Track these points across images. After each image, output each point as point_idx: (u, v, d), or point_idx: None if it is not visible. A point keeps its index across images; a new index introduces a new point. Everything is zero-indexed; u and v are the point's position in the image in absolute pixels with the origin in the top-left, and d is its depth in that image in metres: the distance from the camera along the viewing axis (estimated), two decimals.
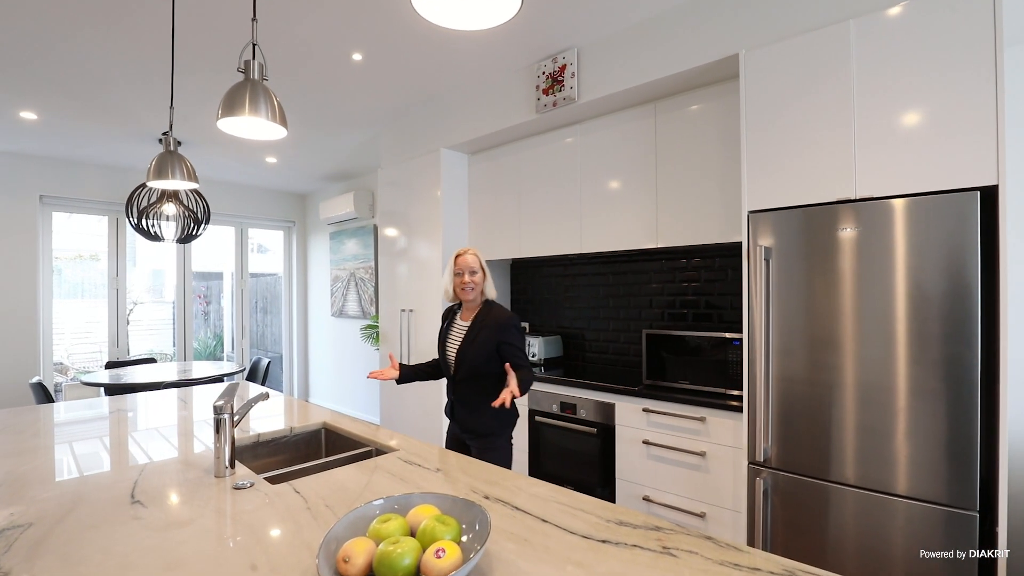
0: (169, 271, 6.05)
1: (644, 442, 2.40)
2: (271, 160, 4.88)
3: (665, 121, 2.56)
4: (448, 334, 2.10)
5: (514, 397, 1.65)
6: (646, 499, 2.39)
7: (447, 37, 2.62)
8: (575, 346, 3.42)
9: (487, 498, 1.19)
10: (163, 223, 4.30)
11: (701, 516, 2.22)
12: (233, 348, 6.34)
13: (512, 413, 1.98)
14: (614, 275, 3.21)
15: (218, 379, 3.84)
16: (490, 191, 3.41)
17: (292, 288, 6.59)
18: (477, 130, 3.19)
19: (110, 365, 4.70)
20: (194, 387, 2.69)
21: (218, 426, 1.35)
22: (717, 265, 2.74)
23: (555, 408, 2.79)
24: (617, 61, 2.52)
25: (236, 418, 1.43)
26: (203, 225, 4.47)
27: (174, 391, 2.57)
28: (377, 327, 4.40)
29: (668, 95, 2.55)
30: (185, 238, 4.45)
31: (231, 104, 1.21)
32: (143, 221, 4.22)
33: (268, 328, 7.01)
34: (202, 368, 4.42)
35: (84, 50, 2.67)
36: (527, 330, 3.68)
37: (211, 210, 5.74)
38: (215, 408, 1.35)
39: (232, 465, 1.38)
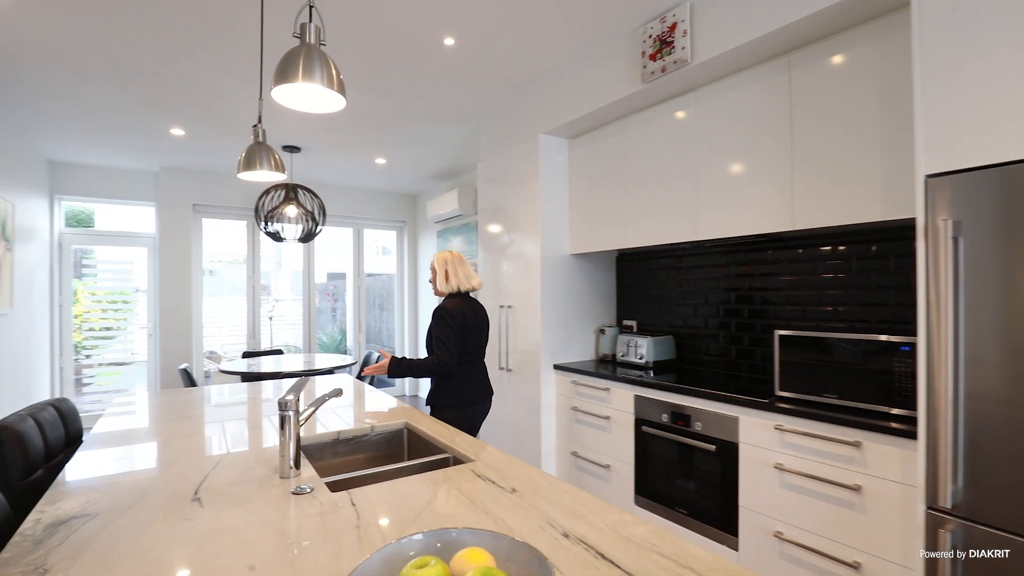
0: (317, 274, 6.57)
1: (777, 467, 1.97)
2: (380, 161, 5.04)
3: (803, 77, 2.09)
4: None
5: (369, 374, 2.33)
6: (778, 535, 1.97)
7: (542, 10, 2.40)
8: (690, 348, 3.02)
9: (566, 536, 0.95)
10: (285, 224, 4.62)
11: (855, 567, 1.75)
12: (353, 342, 6.73)
13: (445, 393, 2.27)
14: (738, 266, 2.76)
15: (329, 371, 4.01)
16: (592, 177, 3.13)
17: (404, 286, 6.83)
18: (576, 109, 2.93)
19: (246, 355, 5.18)
20: (310, 377, 2.76)
21: (283, 423, 1.26)
22: (874, 252, 2.21)
23: (665, 418, 2.45)
24: (739, 7, 2.11)
25: (303, 416, 1.34)
26: (320, 225, 4.73)
27: (287, 381, 2.66)
28: None
29: (806, 44, 2.08)
30: (304, 238, 4.75)
31: (284, 70, 1.11)
32: (269, 223, 4.56)
33: (384, 324, 7.36)
34: (322, 360, 4.68)
35: (210, 69, 2.88)
36: (633, 329, 3.34)
37: (331, 213, 6.14)
38: (280, 404, 1.26)
39: (297, 465, 1.29)
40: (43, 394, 4.87)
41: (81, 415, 1.81)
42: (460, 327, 2.25)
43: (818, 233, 2.27)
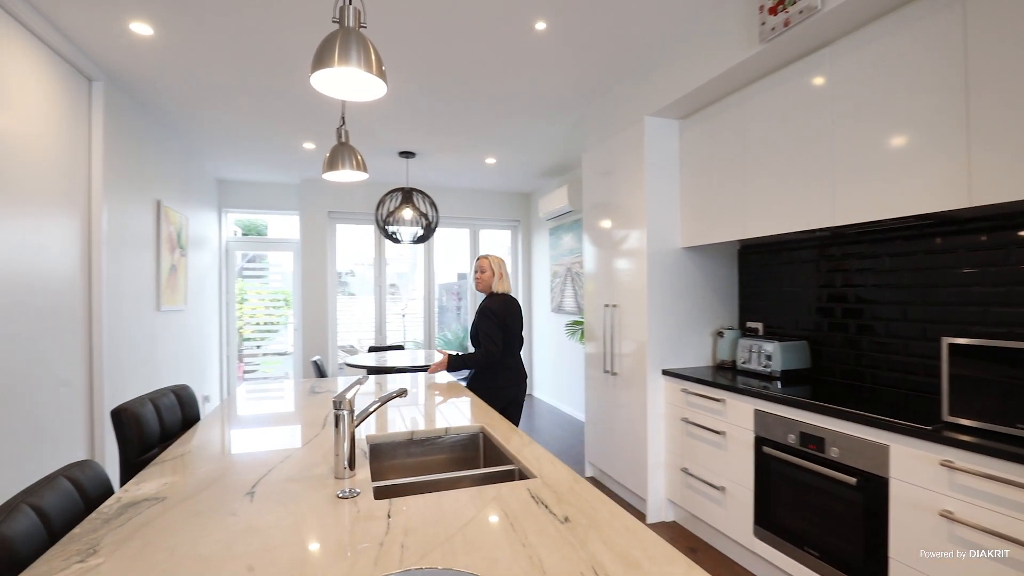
0: (443, 273, 6.91)
1: (944, 514, 1.53)
2: (490, 161, 5.07)
3: (985, 12, 1.60)
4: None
5: (433, 372, 2.73)
6: None
7: None
8: (829, 356, 2.53)
9: None
10: (401, 227, 4.86)
11: None
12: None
13: (484, 378, 2.69)
14: (893, 257, 2.24)
15: (424, 368, 4.09)
16: (706, 160, 2.78)
17: (518, 285, 6.85)
18: (685, 84, 2.61)
19: (372, 350, 5.56)
20: (418, 373, 2.84)
21: (337, 423, 1.23)
22: None
23: (792, 439, 2.05)
24: None
25: (360, 416, 1.30)
26: (433, 227, 4.90)
27: (396, 375, 2.76)
28: (582, 323, 4.13)
29: None
30: (419, 239, 4.96)
31: (320, 55, 1.06)
32: (387, 226, 4.83)
33: None
34: (436, 356, 4.84)
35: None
36: (759, 332, 2.91)
37: (448, 215, 6.35)
38: (334, 403, 1.24)
39: (352, 466, 1.25)
40: (213, 378, 5.70)
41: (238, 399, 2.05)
42: (502, 323, 2.68)
43: (1010, 211, 1.73)
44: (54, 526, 1.04)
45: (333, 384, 2.60)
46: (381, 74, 1.13)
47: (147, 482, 1.23)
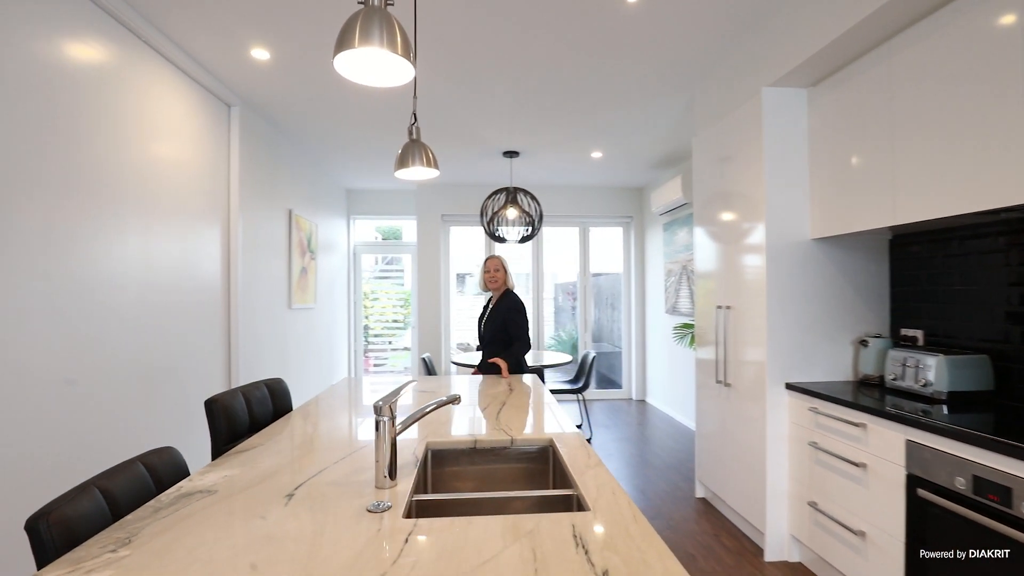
0: (562, 273, 6.87)
1: None
2: (596, 155, 4.85)
3: None
4: (483, 314, 3.25)
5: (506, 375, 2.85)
6: None
7: None
8: (1020, 376, 1.94)
9: None
10: (507, 227, 4.84)
11: None
12: (580, 341, 6.73)
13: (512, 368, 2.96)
14: None
15: (535, 370, 3.98)
16: (841, 132, 2.31)
17: (630, 284, 6.50)
18: (812, 42, 2.19)
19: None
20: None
21: (377, 429, 1.17)
22: None
23: (962, 484, 1.58)
24: None
25: (402, 423, 1.22)
26: (538, 226, 4.80)
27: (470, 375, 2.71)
28: (692, 326, 3.73)
29: None
30: (524, 238, 4.90)
31: (342, 37, 0.99)
32: (491, 226, 4.85)
33: (615, 324, 7.15)
34: (546, 357, 4.75)
35: (445, 97, 3.16)
36: (918, 341, 2.35)
37: (555, 213, 6.23)
38: (374, 408, 1.17)
39: (392, 475, 1.17)
40: (342, 370, 6.21)
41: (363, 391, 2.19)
42: (527, 320, 3.08)
43: None
44: (120, 509, 1.10)
45: (436, 383, 2.62)
46: (406, 54, 1.03)
47: (211, 473, 1.28)
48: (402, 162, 1.78)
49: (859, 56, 2.19)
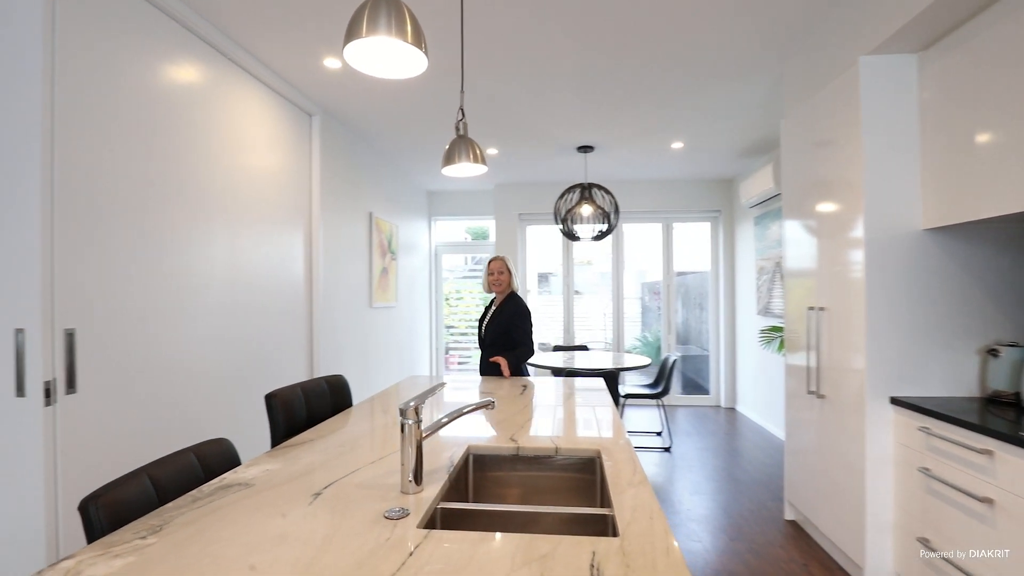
0: (651, 272, 6.63)
1: None
2: (677, 145, 4.56)
3: None
4: (486, 315, 3.14)
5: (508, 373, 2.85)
6: None
7: None
8: None
9: None
10: (580, 225, 4.70)
11: None
12: (663, 343, 6.40)
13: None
14: None
15: (598, 373, 3.81)
16: (966, 103, 1.93)
17: (718, 283, 6.08)
18: None
19: (556, 348, 5.55)
20: (582, 377, 2.69)
21: (403, 431, 1.14)
22: None
23: None
24: None
25: (430, 428, 1.18)
26: (614, 222, 4.62)
27: (565, 379, 2.64)
28: (781, 329, 3.37)
29: None
30: (599, 236, 4.73)
31: (350, 27, 0.95)
32: (566, 223, 4.74)
33: (703, 325, 6.73)
34: (626, 359, 4.57)
35: (513, 96, 3.14)
36: None
37: (636, 209, 5.98)
38: (400, 411, 1.14)
39: (418, 481, 1.14)
40: (423, 368, 6.41)
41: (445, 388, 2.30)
42: (531, 325, 3.02)
43: None
44: (167, 495, 1.17)
45: (481, 385, 2.59)
46: (417, 41, 0.98)
47: (255, 467, 1.32)
48: (448, 159, 1.75)
49: (988, 5, 1.82)
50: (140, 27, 2.18)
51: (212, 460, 1.34)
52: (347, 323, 4.14)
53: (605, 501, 1.30)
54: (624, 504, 1.08)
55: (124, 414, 2.07)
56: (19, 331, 1.80)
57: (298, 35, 2.61)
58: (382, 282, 4.95)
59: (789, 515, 2.91)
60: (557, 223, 4.73)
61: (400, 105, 3.61)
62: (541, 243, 6.65)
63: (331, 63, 2.94)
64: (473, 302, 7.11)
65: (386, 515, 1.02)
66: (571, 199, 4.65)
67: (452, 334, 7.00)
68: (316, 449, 1.47)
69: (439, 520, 1.12)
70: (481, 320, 3.19)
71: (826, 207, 2.51)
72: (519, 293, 3.12)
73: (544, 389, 2.38)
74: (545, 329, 6.68)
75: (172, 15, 2.33)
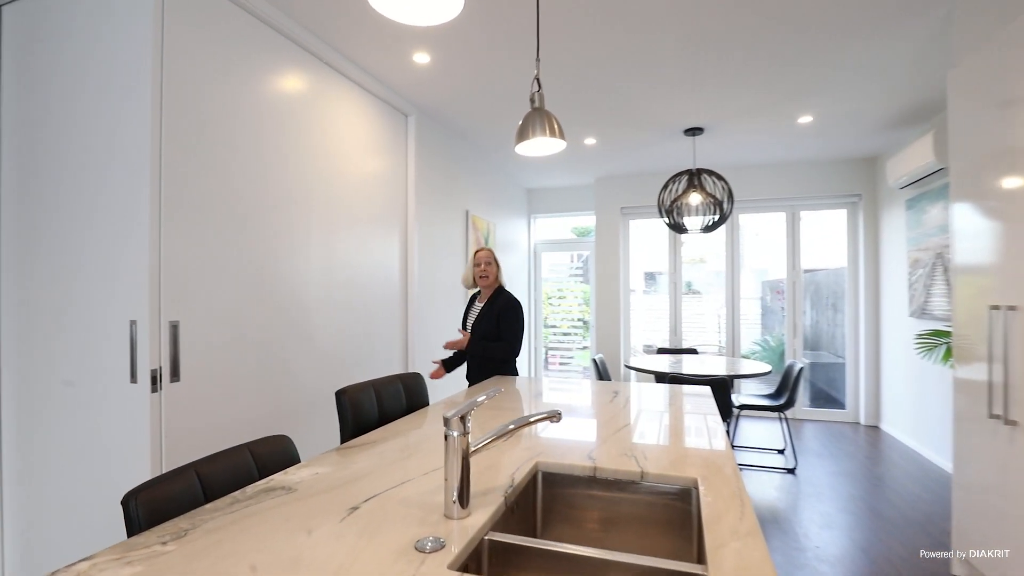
0: (773, 268, 5.99)
1: None
2: (805, 120, 3.95)
3: None
4: (470, 312, 2.86)
5: (456, 348, 2.71)
6: None
7: None
8: None
9: None
10: (690, 217, 4.27)
11: None
12: (788, 348, 5.66)
13: (489, 374, 2.67)
14: None
15: (716, 379, 3.36)
16: None
17: (858, 279, 5.22)
18: None
19: (661, 351, 5.13)
20: (692, 385, 2.39)
21: (447, 443, 0.97)
22: None
23: None
24: None
25: (479, 443, 1.00)
26: (727, 212, 4.13)
27: (675, 386, 2.36)
28: (946, 334, 2.70)
29: None
30: (710, 227, 4.26)
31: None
32: (671, 215, 4.33)
33: (837, 328, 5.86)
34: (743, 366, 4.08)
35: (610, 74, 2.91)
36: None
37: (755, 196, 5.35)
38: (444, 421, 0.98)
39: (464, 503, 0.96)
40: (523, 369, 6.31)
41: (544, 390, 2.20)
42: (523, 323, 2.70)
43: None
44: (215, 493, 1.12)
45: (604, 389, 2.36)
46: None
47: (306, 468, 1.24)
48: (522, 134, 1.56)
49: None
50: (240, 36, 2.27)
51: (268, 458, 1.28)
52: (443, 321, 4.14)
53: (702, 548, 1.02)
54: (724, 561, 0.81)
55: (223, 403, 2.17)
56: (133, 322, 1.94)
57: (387, 31, 2.59)
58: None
59: (959, 571, 2.31)
60: (661, 216, 4.34)
61: (497, 100, 3.51)
62: (646, 239, 6.22)
63: (420, 58, 2.90)
64: (576, 301, 6.86)
65: (416, 546, 0.85)
66: (677, 188, 4.24)
67: (554, 333, 6.81)
68: (374, 452, 1.37)
69: (485, 555, 0.93)
70: (464, 318, 2.89)
71: (1017, 183, 1.93)
72: (507, 288, 2.85)
73: (639, 397, 2.09)
74: (650, 330, 6.25)
75: (271, 23, 2.41)
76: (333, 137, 2.87)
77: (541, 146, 1.59)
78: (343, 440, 1.66)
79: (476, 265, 2.77)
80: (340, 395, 1.68)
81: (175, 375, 1.99)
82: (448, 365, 2.89)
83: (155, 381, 1.91)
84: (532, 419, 1.06)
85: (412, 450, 1.40)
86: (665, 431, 1.56)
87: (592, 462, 1.27)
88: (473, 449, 0.98)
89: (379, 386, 1.82)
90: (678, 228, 4.34)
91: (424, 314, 3.84)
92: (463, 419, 0.97)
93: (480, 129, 4.17)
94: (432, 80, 3.20)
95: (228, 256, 2.22)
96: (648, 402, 1.99)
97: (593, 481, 1.26)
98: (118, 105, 1.99)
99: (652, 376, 4.15)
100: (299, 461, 1.35)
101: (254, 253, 2.34)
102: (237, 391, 2.23)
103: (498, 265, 2.79)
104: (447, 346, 2.73)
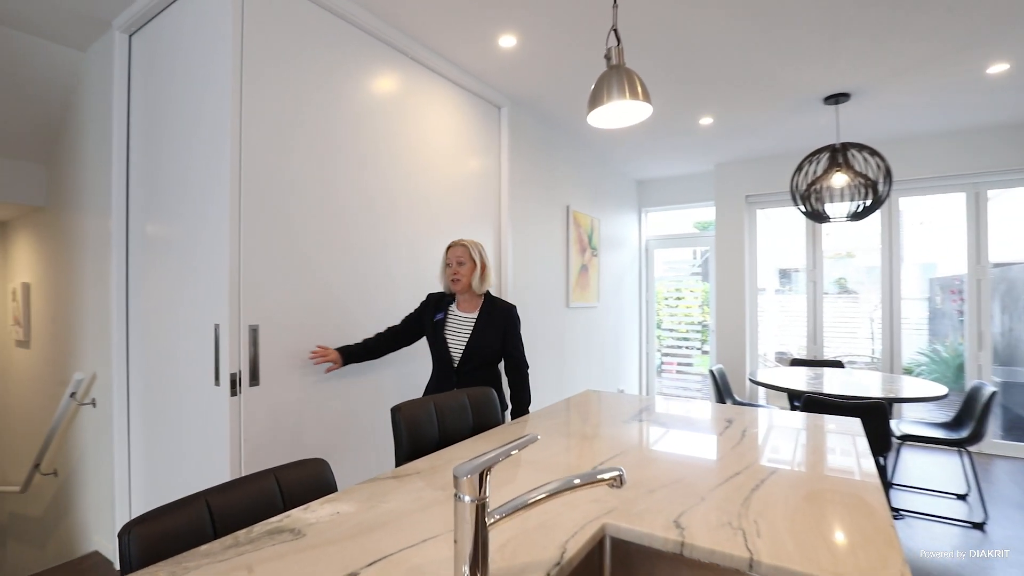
0: (944, 263, 4.96)
1: None
2: (997, 69, 3.05)
3: None
4: (446, 325, 2.14)
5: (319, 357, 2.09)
6: None
7: None
8: None
9: None
10: (832, 202, 3.56)
11: None
12: (970, 361, 4.55)
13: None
14: None
15: (871, 403, 2.68)
16: None
17: None
18: None
19: (796, 363, 4.40)
20: (834, 416, 1.93)
21: (456, 510, 0.72)
22: None
23: None
24: None
25: (501, 509, 0.74)
26: (883, 194, 3.37)
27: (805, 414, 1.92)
28: None
29: None
30: (859, 213, 3.51)
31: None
32: (809, 202, 3.65)
33: None
34: (904, 385, 3.32)
35: (728, 32, 2.49)
36: None
37: (916, 176, 4.37)
38: (455, 479, 0.73)
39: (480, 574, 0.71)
40: (632, 374, 5.86)
41: (656, 395, 1.88)
42: None
43: None
44: (226, 527, 0.98)
45: (714, 415, 1.98)
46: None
47: (328, 505, 1.07)
48: (595, 99, 1.25)
49: None
50: (317, 34, 2.24)
51: (298, 487, 1.14)
52: (540, 325, 3.91)
53: None
54: None
55: (301, 408, 2.14)
56: (216, 326, 1.97)
57: (469, 11, 2.41)
58: (581, 280, 4.60)
59: None
60: (796, 203, 3.68)
61: (583, 86, 3.19)
62: (779, 231, 5.42)
63: (506, 41, 2.68)
64: (696, 302, 6.21)
65: None
66: (815, 169, 3.55)
67: (672, 337, 6.23)
68: (412, 489, 1.16)
69: None
70: (438, 333, 2.14)
71: None
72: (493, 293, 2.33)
73: (761, 429, 1.66)
74: (783, 337, 5.43)
75: (351, 20, 2.36)
76: (419, 135, 2.77)
77: (620, 113, 1.27)
78: (397, 462, 1.49)
79: (447, 265, 2.17)
80: (395, 412, 1.51)
81: (254, 379, 1.98)
82: (349, 355, 2.18)
83: (234, 384, 1.92)
84: (579, 483, 0.77)
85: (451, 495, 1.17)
86: (794, 488, 1.15)
87: (679, 533, 0.93)
88: (492, 522, 0.72)
89: (441, 402, 1.63)
90: (817, 216, 3.65)
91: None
92: (481, 479, 0.71)
93: (580, 116, 3.86)
94: (522, 65, 2.97)
95: (308, 261, 2.19)
96: (774, 438, 1.56)
97: (679, 561, 0.92)
98: (206, 113, 2.04)
99: (784, 394, 3.52)
100: (334, 489, 1.19)
101: (335, 258, 2.30)
102: (315, 397, 2.20)
103: (483, 264, 2.17)
104: (315, 356, 2.11)
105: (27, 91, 2.82)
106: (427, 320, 2.20)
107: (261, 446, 1.98)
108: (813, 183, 3.54)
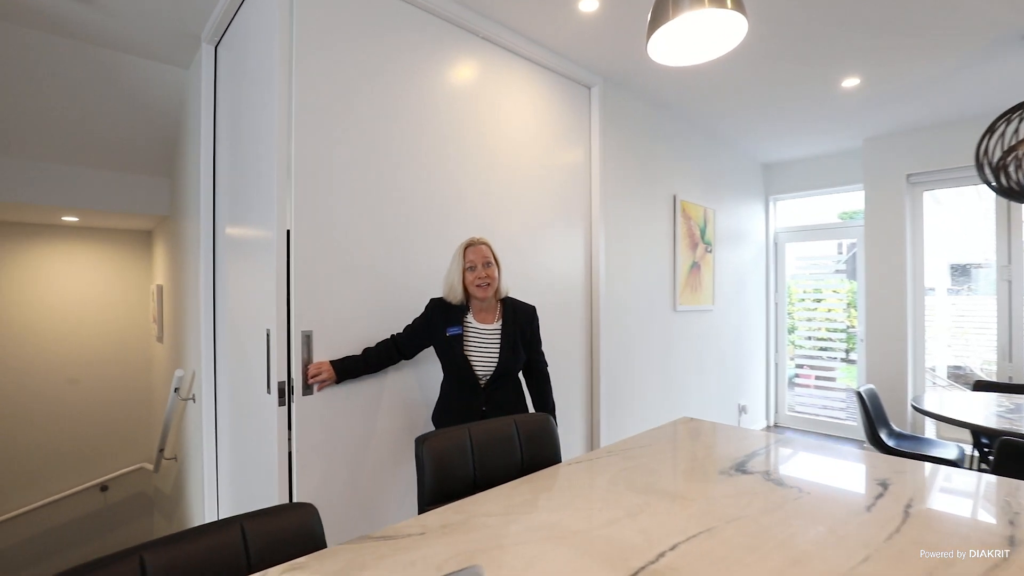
0: None
1: None
2: None
3: None
4: (466, 342, 1.84)
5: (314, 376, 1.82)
6: None
7: None
8: None
9: None
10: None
11: None
12: None
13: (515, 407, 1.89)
14: None
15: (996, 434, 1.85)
16: None
17: None
18: None
19: (980, 386, 3.42)
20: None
21: None
22: None
23: None
24: None
25: None
26: None
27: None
28: None
29: None
30: None
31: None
32: (1004, 177, 2.76)
33: None
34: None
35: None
36: None
37: None
38: None
39: None
40: (757, 387, 5.09)
41: (787, 413, 1.49)
42: None
43: None
44: None
45: (859, 474, 1.48)
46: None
47: (314, 565, 0.84)
48: (656, 17, 0.84)
49: None
50: (377, 18, 2.08)
51: (267, 540, 0.93)
52: (640, 330, 3.46)
53: None
54: None
55: (357, 420, 1.99)
56: (268, 331, 1.88)
57: None
58: (691, 280, 4.04)
59: None
60: (984, 178, 2.81)
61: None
62: (951, 216, 4.33)
63: (587, 4, 2.33)
64: (840, 304, 5.22)
65: None
66: (1015, 130, 2.67)
67: (809, 345, 5.31)
68: (400, 563, 0.89)
69: None
70: (459, 349, 1.83)
71: None
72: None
73: (932, 501, 1.14)
74: (959, 349, 4.31)
75: (411, 1, 2.18)
76: (492, 125, 2.52)
77: (696, 35, 0.84)
78: (420, 508, 1.23)
79: (470, 268, 1.84)
80: (419, 444, 1.25)
81: (308, 388, 1.87)
82: (344, 372, 1.87)
83: (282, 394, 1.81)
84: None
85: (481, 557, 0.87)
86: None
87: None
88: None
89: (479, 433, 1.34)
90: (1015, 194, 2.74)
91: (615, 324, 3.22)
92: None
93: (690, 93, 3.34)
94: (612, 35, 2.58)
95: (369, 264, 2.03)
96: (949, 525, 1.03)
97: None
98: (263, 111, 1.98)
99: (964, 430, 2.67)
100: (320, 544, 0.96)
101: (397, 261, 2.12)
102: (372, 409, 2.04)
103: (499, 264, 1.90)
104: (314, 379, 1.83)
105: (148, 112, 3.08)
106: (438, 333, 1.88)
107: (311, 463, 1.85)
108: (1012, 149, 2.66)
